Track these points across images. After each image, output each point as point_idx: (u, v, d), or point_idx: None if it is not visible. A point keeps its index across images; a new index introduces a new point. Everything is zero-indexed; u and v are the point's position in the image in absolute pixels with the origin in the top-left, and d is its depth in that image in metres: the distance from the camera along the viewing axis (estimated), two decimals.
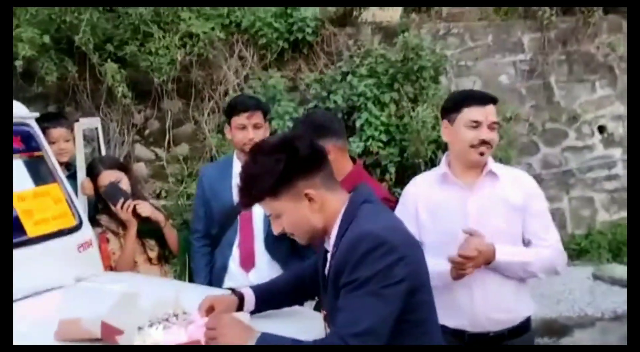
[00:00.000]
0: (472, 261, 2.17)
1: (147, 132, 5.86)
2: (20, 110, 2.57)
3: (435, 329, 1.70)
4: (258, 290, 1.89)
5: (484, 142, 2.29)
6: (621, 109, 6.56)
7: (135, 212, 2.76)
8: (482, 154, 2.30)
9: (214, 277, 2.92)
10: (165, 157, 5.76)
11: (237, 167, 2.89)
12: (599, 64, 6.56)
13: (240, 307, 1.80)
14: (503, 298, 2.29)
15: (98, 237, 2.71)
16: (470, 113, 2.31)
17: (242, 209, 2.74)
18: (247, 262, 2.84)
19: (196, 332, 1.53)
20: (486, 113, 2.31)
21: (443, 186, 2.37)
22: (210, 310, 1.69)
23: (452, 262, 2.20)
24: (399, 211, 2.40)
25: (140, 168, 5.69)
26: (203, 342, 1.49)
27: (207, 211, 2.96)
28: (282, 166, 1.56)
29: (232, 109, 2.90)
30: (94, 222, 2.77)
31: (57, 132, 3.04)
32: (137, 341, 1.48)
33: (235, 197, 2.73)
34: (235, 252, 2.88)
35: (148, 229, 2.86)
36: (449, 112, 2.40)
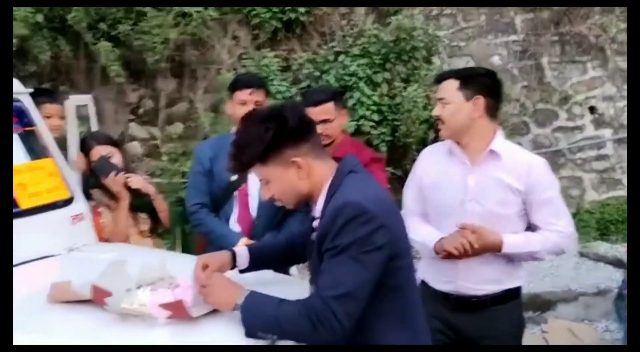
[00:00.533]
0: (459, 257, 2.25)
1: (141, 111, 5.91)
2: (14, 86, 2.61)
3: (412, 294, 1.75)
4: (251, 249, 1.94)
5: (437, 119, 2.40)
6: (612, 89, 6.62)
7: (126, 185, 2.83)
8: (438, 130, 2.42)
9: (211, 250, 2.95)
10: (160, 136, 5.81)
11: None
12: (590, 45, 6.60)
13: (234, 265, 1.87)
14: (487, 272, 2.35)
15: (91, 211, 2.77)
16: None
17: (232, 174, 2.79)
18: (248, 236, 2.86)
19: (182, 294, 1.60)
20: (439, 91, 2.40)
21: (449, 158, 2.41)
22: (204, 268, 1.74)
23: (436, 253, 2.31)
24: (410, 177, 2.54)
25: (135, 147, 5.76)
26: (189, 304, 1.56)
27: (206, 186, 2.96)
28: (270, 134, 1.62)
29: (236, 85, 2.93)
30: (87, 196, 2.83)
31: (53, 108, 3.08)
32: (125, 303, 1.56)
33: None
34: (235, 226, 2.91)
35: (140, 203, 2.92)
36: None
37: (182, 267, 1.82)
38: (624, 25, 6.60)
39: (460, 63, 6.16)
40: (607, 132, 6.64)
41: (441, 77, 2.42)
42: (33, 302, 1.72)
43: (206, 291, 1.64)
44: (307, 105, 2.74)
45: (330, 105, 2.83)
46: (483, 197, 2.30)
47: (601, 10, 6.57)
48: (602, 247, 5.06)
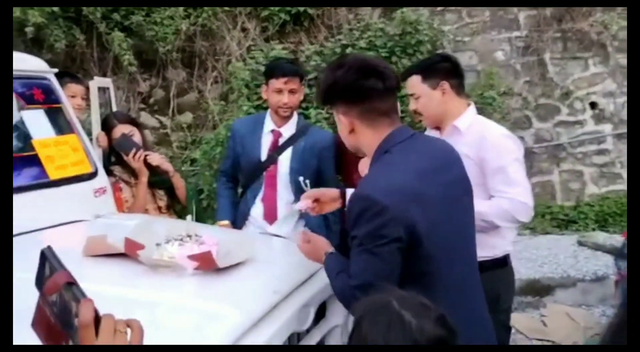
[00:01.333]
0: None
1: (152, 100, 6.04)
2: (40, 65, 2.76)
3: (438, 282, 1.71)
4: None
5: (415, 112, 2.57)
6: (613, 86, 6.74)
7: (146, 162, 2.97)
8: (419, 121, 2.62)
9: (236, 221, 3.11)
10: (170, 125, 5.95)
11: (268, 126, 3.06)
12: (592, 42, 6.72)
13: (344, 204, 2.09)
14: None
15: (112, 186, 2.91)
16: None
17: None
18: (270, 215, 3.04)
19: (208, 247, 1.74)
20: (406, 86, 2.55)
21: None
22: (315, 200, 2.05)
23: None
24: None
25: (146, 135, 5.88)
26: (214, 255, 1.69)
27: (235, 161, 3.13)
28: (326, 85, 1.83)
29: (272, 73, 2.97)
30: (108, 173, 2.97)
31: (77, 88, 3.23)
32: (156, 255, 1.69)
33: (263, 153, 3.02)
34: (259, 204, 3.06)
35: (158, 180, 3.07)
36: None
37: (205, 230, 1.96)
38: (624, 23, 6.73)
39: (464, 57, 6.29)
40: (607, 128, 6.76)
41: (406, 74, 2.58)
42: (68, 255, 1.85)
43: (307, 246, 1.92)
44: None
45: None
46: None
47: (603, 7, 6.70)
48: (601, 237, 5.19)
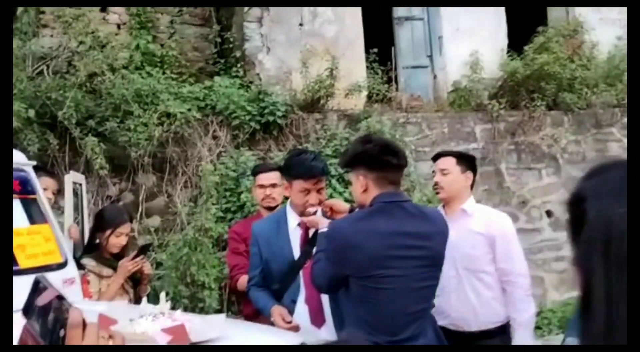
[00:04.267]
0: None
1: (120, 203, 6.08)
2: (19, 158, 2.85)
3: (375, 307, 2.27)
4: None
5: (435, 184, 3.17)
6: (566, 195, 7.04)
7: (140, 270, 3.11)
8: (437, 192, 3.20)
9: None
10: (137, 229, 5.96)
11: (292, 220, 2.86)
12: (544, 154, 7.16)
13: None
14: (475, 307, 2.99)
15: (80, 278, 2.91)
16: (434, 165, 3.27)
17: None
18: (318, 318, 2.73)
19: (181, 322, 1.76)
20: (438, 164, 3.19)
21: None
22: (330, 210, 2.65)
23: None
24: None
25: None
26: (187, 328, 1.72)
27: (265, 268, 2.86)
28: (355, 153, 2.42)
29: (296, 173, 2.79)
30: (77, 265, 2.98)
31: (49, 181, 3.32)
32: (129, 329, 1.71)
33: (295, 251, 2.80)
34: (302, 308, 2.75)
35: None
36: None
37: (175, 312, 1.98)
38: (573, 137, 7.24)
39: (425, 167, 6.58)
40: (563, 235, 7.02)
41: (441, 154, 3.23)
42: None
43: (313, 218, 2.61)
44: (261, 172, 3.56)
45: (277, 173, 3.42)
46: (459, 243, 2.90)
47: (552, 122, 7.21)
48: (567, 340, 5.22)
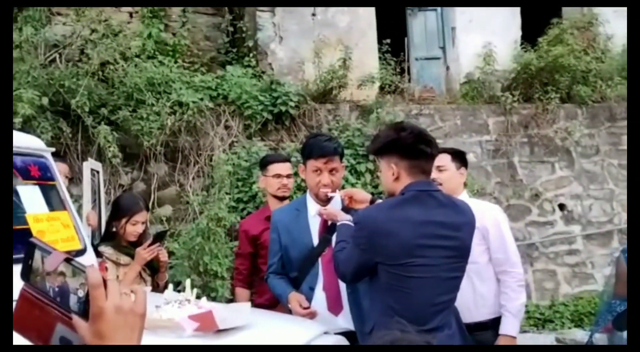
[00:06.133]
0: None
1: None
2: (38, 144, 2.84)
3: (400, 294, 2.25)
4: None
5: (432, 180, 3.06)
6: (579, 188, 7.05)
7: (156, 257, 3.08)
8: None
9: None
10: (149, 218, 5.94)
11: (312, 207, 2.85)
12: (557, 147, 7.10)
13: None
14: (469, 300, 2.97)
15: (98, 265, 2.90)
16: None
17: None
18: (336, 305, 2.72)
19: (207, 310, 1.74)
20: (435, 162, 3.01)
21: None
22: (349, 199, 2.65)
23: None
24: None
25: None
26: (214, 315, 1.70)
27: (284, 254, 2.86)
28: (387, 140, 2.34)
29: (309, 153, 2.80)
30: (95, 253, 2.97)
31: (63, 166, 3.31)
32: (155, 315, 1.69)
33: (314, 237, 2.80)
34: (320, 295, 2.74)
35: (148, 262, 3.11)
36: None
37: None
38: (586, 130, 7.18)
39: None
40: (576, 229, 6.99)
41: (439, 152, 3.11)
42: None
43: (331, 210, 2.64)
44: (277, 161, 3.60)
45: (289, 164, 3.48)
46: None
47: (565, 115, 7.16)
48: (579, 334, 5.21)
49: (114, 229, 3.15)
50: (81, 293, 0.93)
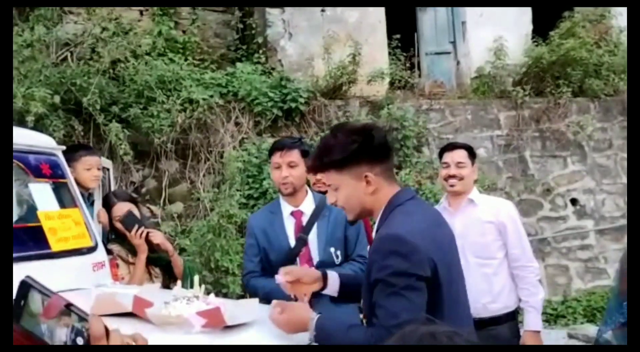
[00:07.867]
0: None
1: (144, 190, 6.12)
2: (49, 142, 2.87)
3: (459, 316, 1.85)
4: (342, 277, 2.08)
5: (451, 176, 3.12)
6: (592, 183, 7.00)
7: (147, 240, 2.99)
8: (452, 185, 3.13)
9: None
10: (160, 214, 5.99)
11: (286, 209, 2.89)
12: (569, 141, 7.05)
13: (324, 286, 2.02)
14: (485, 295, 2.98)
15: (109, 263, 2.92)
16: (444, 157, 3.20)
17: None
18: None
19: (215, 305, 1.75)
20: (453, 156, 3.14)
21: (443, 211, 2.90)
22: (296, 282, 1.93)
23: None
24: None
25: (145, 213, 5.91)
26: (222, 311, 1.71)
27: (263, 258, 2.87)
28: (355, 146, 1.77)
29: (270, 150, 2.90)
30: (106, 251, 2.99)
31: (93, 159, 3.30)
32: (164, 312, 1.71)
33: (291, 238, 2.82)
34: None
35: (155, 257, 3.09)
36: (440, 157, 3.31)
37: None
38: (599, 124, 7.12)
39: None
40: (589, 224, 6.94)
41: (453, 146, 3.23)
42: None
43: (282, 318, 1.79)
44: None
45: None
46: (467, 233, 2.98)
47: (577, 109, 7.10)
48: (591, 329, 5.17)
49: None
50: (80, 341, 0.90)
